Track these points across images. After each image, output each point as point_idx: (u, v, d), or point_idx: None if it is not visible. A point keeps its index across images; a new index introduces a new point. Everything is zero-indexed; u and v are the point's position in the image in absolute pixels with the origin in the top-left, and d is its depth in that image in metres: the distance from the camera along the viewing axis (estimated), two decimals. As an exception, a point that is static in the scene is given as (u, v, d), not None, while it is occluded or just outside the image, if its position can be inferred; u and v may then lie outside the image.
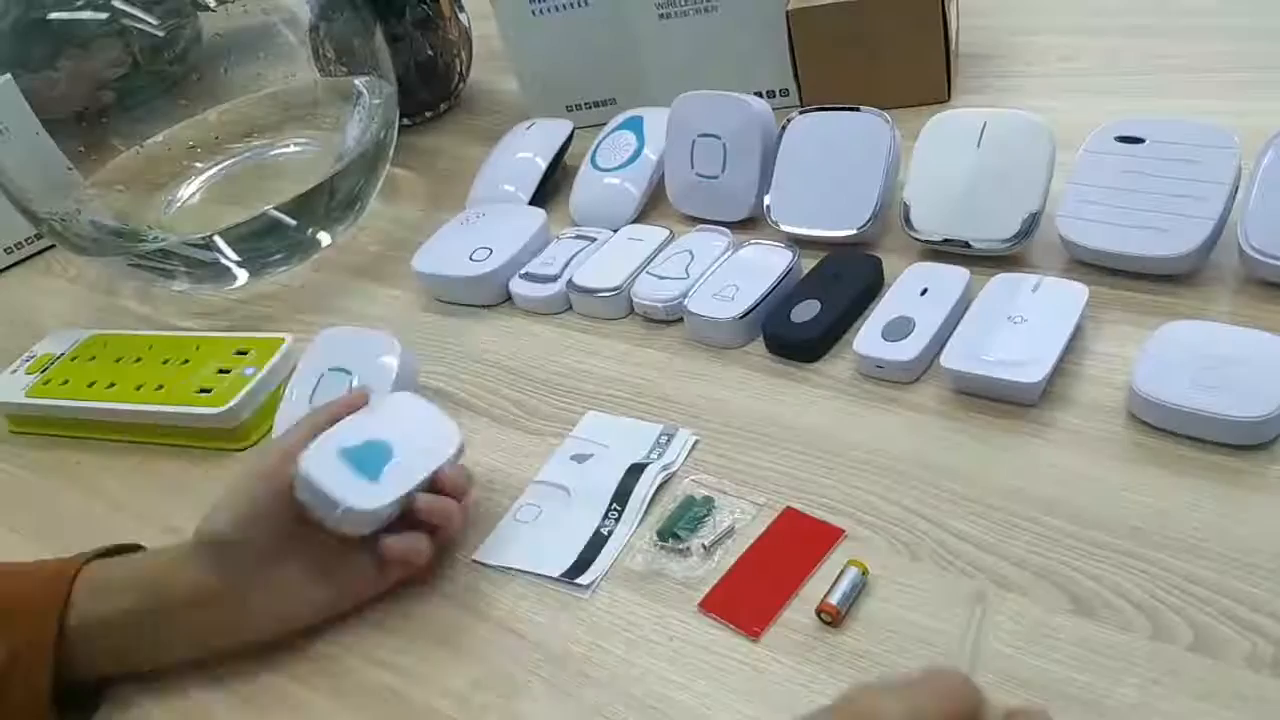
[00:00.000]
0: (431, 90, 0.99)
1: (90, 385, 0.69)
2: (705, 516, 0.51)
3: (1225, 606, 0.42)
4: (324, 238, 0.79)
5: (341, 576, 0.50)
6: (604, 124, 0.82)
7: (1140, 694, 0.40)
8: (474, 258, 0.72)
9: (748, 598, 0.47)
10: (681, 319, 0.64)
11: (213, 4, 0.85)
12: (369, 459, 0.49)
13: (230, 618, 0.49)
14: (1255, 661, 0.40)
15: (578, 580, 0.50)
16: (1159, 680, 0.40)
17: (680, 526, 0.51)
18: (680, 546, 0.50)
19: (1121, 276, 0.58)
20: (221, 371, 0.66)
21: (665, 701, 0.44)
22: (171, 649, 0.49)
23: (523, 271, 0.71)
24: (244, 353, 0.68)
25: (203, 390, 0.65)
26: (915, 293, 0.59)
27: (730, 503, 0.52)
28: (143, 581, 0.49)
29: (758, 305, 0.62)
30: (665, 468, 0.55)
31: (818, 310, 0.60)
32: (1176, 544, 0.45)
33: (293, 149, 0.86)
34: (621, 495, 0.54)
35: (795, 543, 0.49)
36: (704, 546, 0.50)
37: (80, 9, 0.80)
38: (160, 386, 0.67)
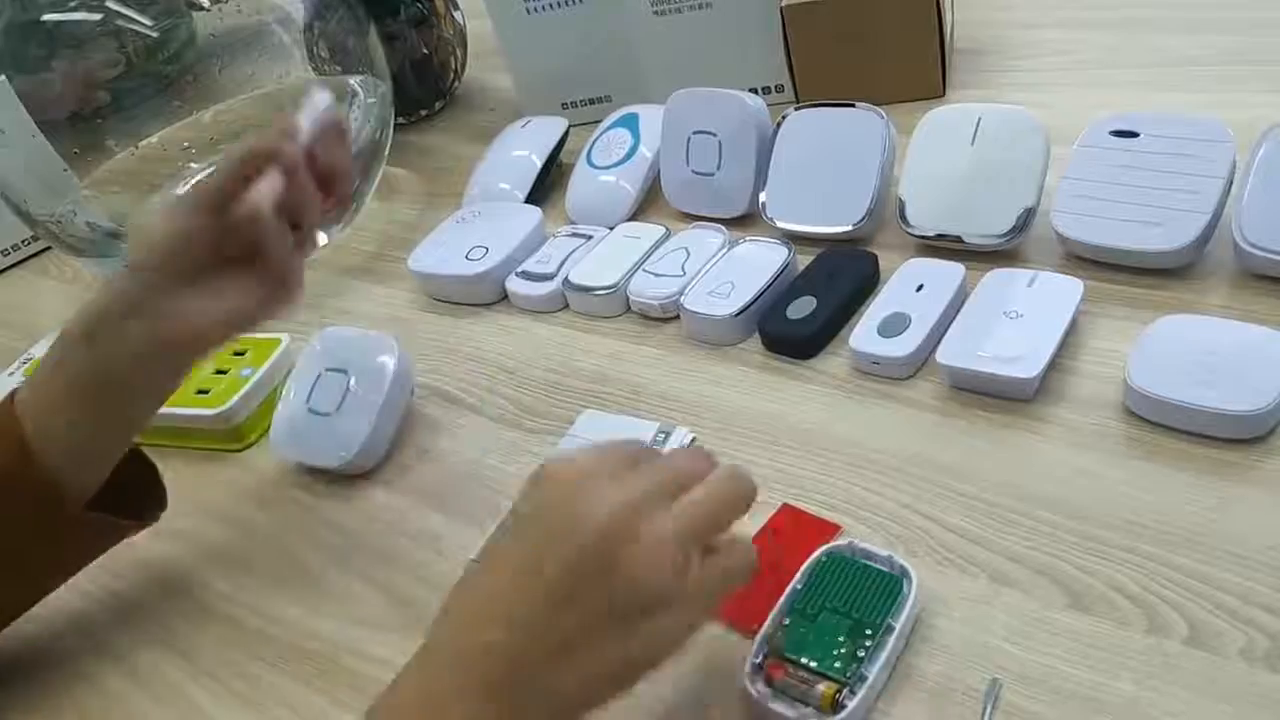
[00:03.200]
0: (426, 89, 0.99)
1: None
2: None
3: (1221, 600, 0.42)
4: (320, 237, 0.79)
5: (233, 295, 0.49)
6: (599, 121, 0.82)
7: (1136, 688, 0.40)
8: (470, 256, 0.72)
9: (744, 594, 0.47)
10: (678, 316, 0.64)
11: (207, 4, 0.85)
12: None
13: (156, 323, 0.47)
14: (1250, 655, 0.40)
15: (575, 578, 0.50)
16: (1155, 674, 0.40)
17: None
18: None
19: (1117, 271, 0.58)
20: (219, 372, 0.66)
21: (663, 701, 0.44)
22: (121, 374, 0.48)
23: (519, 270, 0.72)
24: (241, 353, 0.68)
25: (200, 391, 0.65)
26: (911, 289, 0.59)
27: None
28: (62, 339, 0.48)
29: (754, 302, 0.62)
30: (662, 465, 0.55)
31: (813, 307, 0.60)
32: (1172, 538, 0.45)
33: (288, 149, 0.86)
34: (619, 493, 0.54)
35: (792, 539, 0.49)
36: None
37: (74, 10, 0.80)
38: (157, 388, 0.67)
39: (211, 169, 0.53)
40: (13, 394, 0.48)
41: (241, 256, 0.48)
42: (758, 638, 0.44)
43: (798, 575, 0.45)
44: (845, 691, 0.41)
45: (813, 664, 0.42)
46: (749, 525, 0.50)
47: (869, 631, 0.42)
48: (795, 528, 0.50)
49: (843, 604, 0.44)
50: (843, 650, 0.42)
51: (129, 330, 0.47)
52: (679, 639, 0.37)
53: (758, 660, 0.43)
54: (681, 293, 0.64)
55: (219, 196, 0.47)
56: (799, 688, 0.42)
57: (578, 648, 0.35)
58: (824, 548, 0.46)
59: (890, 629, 0.42)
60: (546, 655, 0.35)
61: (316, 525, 0.58)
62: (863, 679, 0.41)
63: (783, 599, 0.45)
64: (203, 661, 0.51)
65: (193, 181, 0.47)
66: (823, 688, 0.41)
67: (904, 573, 0.44)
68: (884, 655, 0.42)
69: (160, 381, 0.50)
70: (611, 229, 0.73)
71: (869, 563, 0.45)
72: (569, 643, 0.35)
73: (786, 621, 0.44)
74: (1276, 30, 0.76)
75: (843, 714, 0.40)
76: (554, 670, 0.35)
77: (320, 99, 0.50)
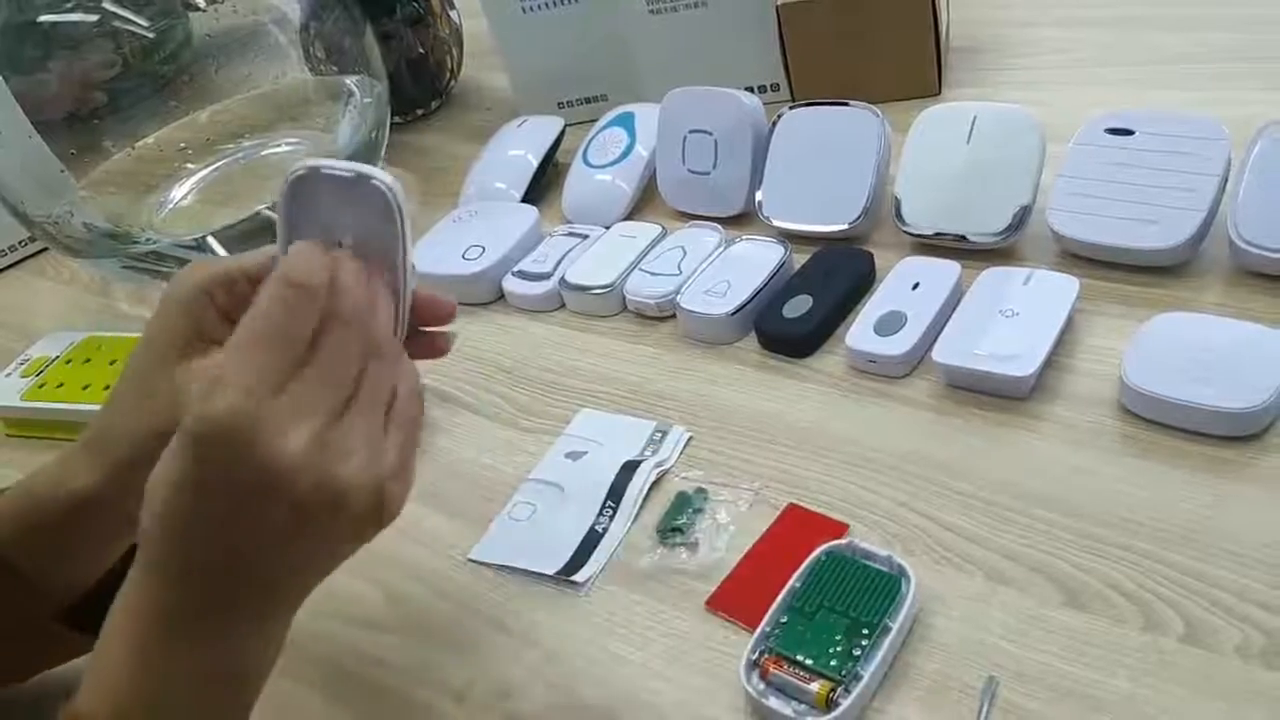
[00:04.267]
0: (422, 88, 0.99)
1: (85, 388, 0.69)
2: (701, 510, 0.52)
3: (1216, 597, 0.42)
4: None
5: None
6: (595, 120, 0.82)
7: (1132, 685, 0.40)
8: (466, 256, 0.72)
9: (752, 594, 0.47)
10: (674, 315, 0.65)
11: (203, 4, 0.85)
12: None
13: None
14: (1246, 652, 0.40)
15: (573, 578, 0.50)
16: (1151, 671, 0.40)
17: (679, 522, 0.51)
18: (683, 541, 0.50)
19: (1112, 269, 0.59)
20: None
21: (660, 697, 0.44)
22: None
23: (515, 269, 0.72)
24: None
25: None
26: (907, 287, 0.59)
27: (725, 494, 0.52)
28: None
29: (750, 301, 0.62)
30: (659, 464, 0.55)
31: (810, 305, 0.60)
32: (1168, 536, 0.45)
33: (284, 149, 0.86)
34: (616, 492, 0.54)
35: (799, 539, 0.48)
36: (705, 540, 0.50)
37: (70, 11, 0.80)
38: (154, 388, 0.67)
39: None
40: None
41: None
42: (755, 635, 0.44)
43: (796, 573, 0.46)
44: (840, 690, 0.41)
45: (809, 661, 0.42)
46: (748, 521, 0.50)
47: (865, 631, 0.43)
48: (802, 527, 0.50)
49: (841, 603, 0.44)
50: (839, 649, 0.42)
51: (132, 483, 0.41)
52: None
53: (754, 657, 0.43)
54: (678, 292, 0.64)
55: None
56: (794, 684, 0.42)
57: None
58: (823, 546, 0.47)
59: (887, 629, 0.43)
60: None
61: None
62: (858, 678, 0.41)
63: (781, 596, 0.45)
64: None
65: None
66: (817, 686, 0.41)
67: (902, 573, 0.45)
68: (880, 654, 0.42)
69: None
70: (608, 228, 0.73)
71: (868, 563, 0.46)
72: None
73: (784, 619, 0.44)
74: (1272, 28, 0.76)
75: (836, 712, 0.40)
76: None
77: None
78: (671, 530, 0.51)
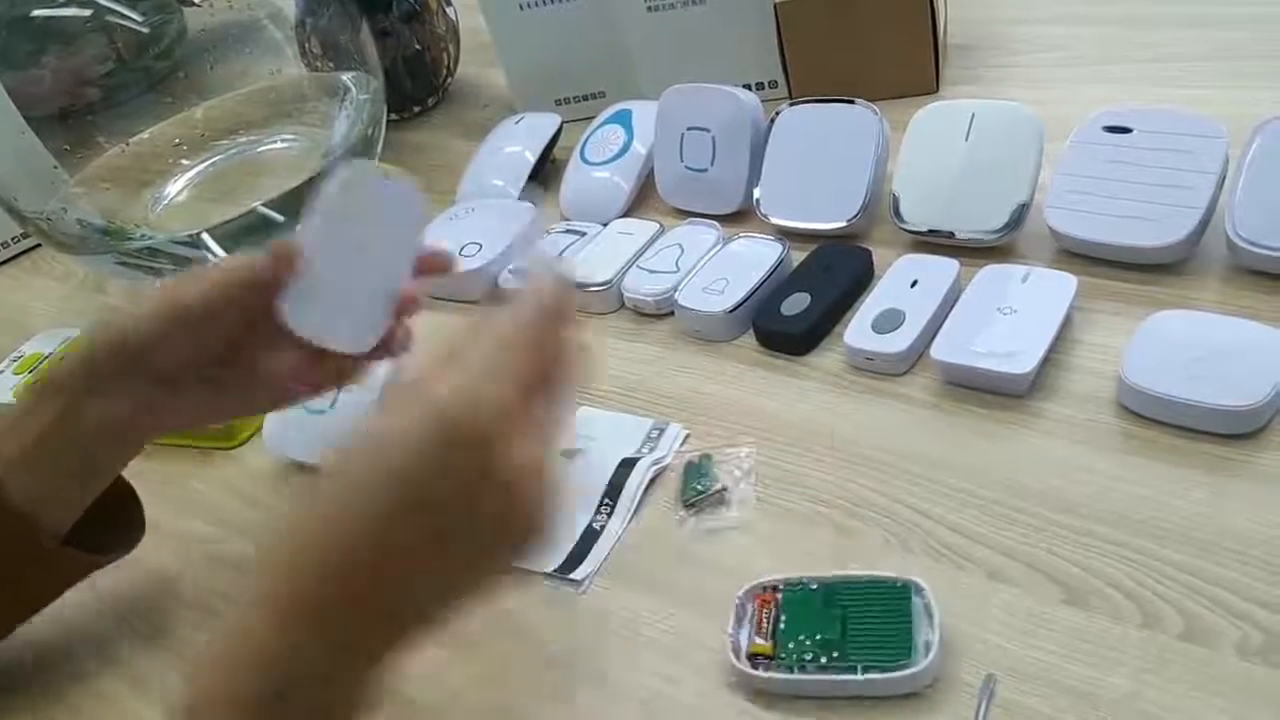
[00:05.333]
0: (419, 85, 0.99)
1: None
2: (711, 471, 0.53)
3: (1215, 595, 0.42)
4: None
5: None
6: (593, 117, 0.82)
7: (1132, 683, 0.40)
8: (464, 253, 0.72)
9: None
10: (672, 313, 0.64)
11: (198, 0, 0.84)
12: None
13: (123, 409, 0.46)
14: (1245, 649, 0.40)
15: (571, 576, 0.50)
16: (1150, 669, 0.40)
17: (700, 484, 0.52)
18: (711, 498, 0.52)
19: (1110, 266, 0.59)
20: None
21: (659, 697, 0.44)
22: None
23: (512, 267, 0.71)
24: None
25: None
26: (905, 284, 0.59)
27: (728, 453, 0.54)
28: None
29: (748, 298, 0.62)
30: (657, 462, 0.55)
31: (808, 303, 0.60)
32: (1166, 533, 0.45)
33: (280, 145, 0.86)
34: (613, 490, 0.54)
35: None
36: (734, 485, 0.52)
37: (64, 6, 0.80)
38: (149, 385, 0.66)
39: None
40: None
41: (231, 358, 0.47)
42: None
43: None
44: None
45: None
46: (765, 470, 0.50)
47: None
48: None
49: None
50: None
51: (85, 415, 0.46)
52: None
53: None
54: (676, 289, 0.64)
55: (202, 317, 0.46)
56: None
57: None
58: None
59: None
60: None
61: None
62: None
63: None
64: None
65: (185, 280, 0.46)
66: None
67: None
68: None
69: (127, 450, 0.50)
70: (605, 225, 0.73)
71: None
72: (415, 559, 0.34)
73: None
74: (1269, 26, 0.76)
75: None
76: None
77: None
78: (696, 493, 0.52)
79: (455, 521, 0.34)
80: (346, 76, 0.84)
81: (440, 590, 0.36)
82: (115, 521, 0.51)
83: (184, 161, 0.84)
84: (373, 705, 0.36)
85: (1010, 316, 0.55)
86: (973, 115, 0.63)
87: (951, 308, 0.57)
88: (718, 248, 0.67)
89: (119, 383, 0.46)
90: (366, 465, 0.34)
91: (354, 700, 0.35)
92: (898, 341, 0.56)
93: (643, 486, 0.53)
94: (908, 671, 0.41)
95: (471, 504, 0.33)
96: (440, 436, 0.33)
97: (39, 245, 0.95)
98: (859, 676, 0.41)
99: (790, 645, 0.43)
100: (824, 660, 0.42)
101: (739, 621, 0.45)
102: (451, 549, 0.34)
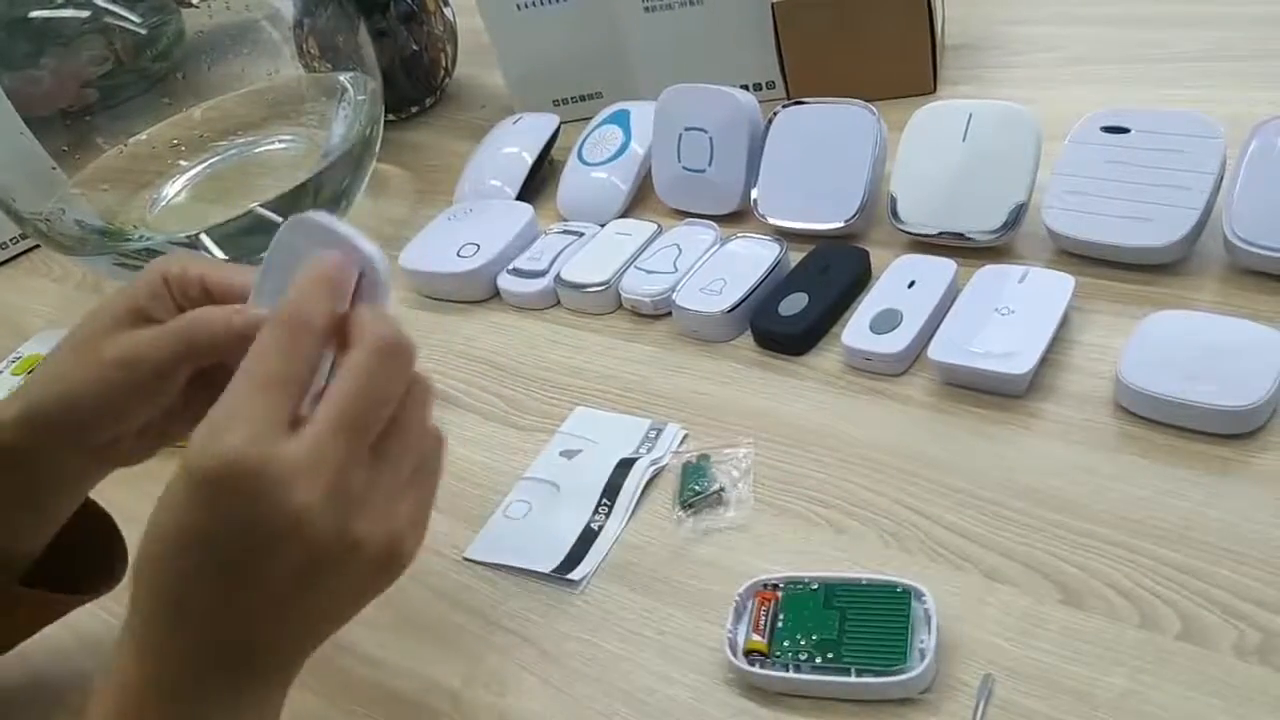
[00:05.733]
0: (417, 85, 0.99)
1: (76, 386, 0.69)
2: (709, 471, 0.53)
3: (1213, 595, 0.42)
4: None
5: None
6: (590, 118, 0.82)
7: (1129, 683, 0.40)
8: (461, 254, 0.72)
9: None
10: (670, 313, 0.64)
11: (195, 1, 0.84)
12: None
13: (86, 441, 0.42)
14: (1242, 649, 0.40)
15: (569, 576, 0.50)
16: (1147, 669, 0.40)
17: (697, 486, 0.52)
18: (709, 499, 0.52)
19: (1108, 266, 0.59)
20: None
21: (656, 695, 0.44)
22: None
23: (510, 267, 0.71)
24: (231, 351, 0.67)
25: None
26: (903, 285, 0.59)
27: (726, 454, 0.54)
28: None
29: (746, 299, 0.62)
30: (655, 462, 0.55)
31: (805, 303, 0.60)
32: (1164, 533, 0.45)
33: (278, 146, 0.86)
34: (611, 490, 0.54)
35: None
36: (731, 485, 0.52)
37: (62, 7, 0.80)
38: (147, 386, 0.66)
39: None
40: None
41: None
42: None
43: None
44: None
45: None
46: (762, 470, 0.50)
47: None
48: None
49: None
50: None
51: (44, 462, 0.42)
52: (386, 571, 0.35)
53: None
54: (673, 289, 0.64)
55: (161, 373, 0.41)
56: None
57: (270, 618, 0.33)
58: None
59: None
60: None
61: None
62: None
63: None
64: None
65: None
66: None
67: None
68: None
69: (81, 492, 0.46)
70: (603, 226, 0.73)
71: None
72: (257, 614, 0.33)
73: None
74: (1267, 25, 0.76)
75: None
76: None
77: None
78: (694, 494, 0.52)
79: (258, 570, 0.32)
80: (344, 77, 0.84)
81: (286, 635, 0.34)
82: (92, 556, 0.48)
83: (182, 162, 0.84)
84: None
85: (1008, 317, 0.55)
86: (970, 115, 0.63)
87: (949, 308, 0.57)
88: (715, 248, 0.67)
89: (68, 439, 0.42)
90: (155, 539, 0.33)
91: None
92: (895, 342, 0.56)
93: (640, 487, 0.53)
94: (901, 677, 0.41)
95: (264, 550, 0.32)
96: (194, 490, 0.32)
97: (37, 246, 0.95)
98: (852, 679, 0.41)
99: (785, 644, 0.43)
100: (819, 660, 0.42)
101: (738, 618, 0.45)
102: (269, 594, 0.33)
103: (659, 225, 0.71)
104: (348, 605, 0.36)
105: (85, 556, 0.47)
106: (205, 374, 0.41)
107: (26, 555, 0.45)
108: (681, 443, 0.56)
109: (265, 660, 0.34)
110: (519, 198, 0.79)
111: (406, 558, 0.35)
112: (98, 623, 0.54)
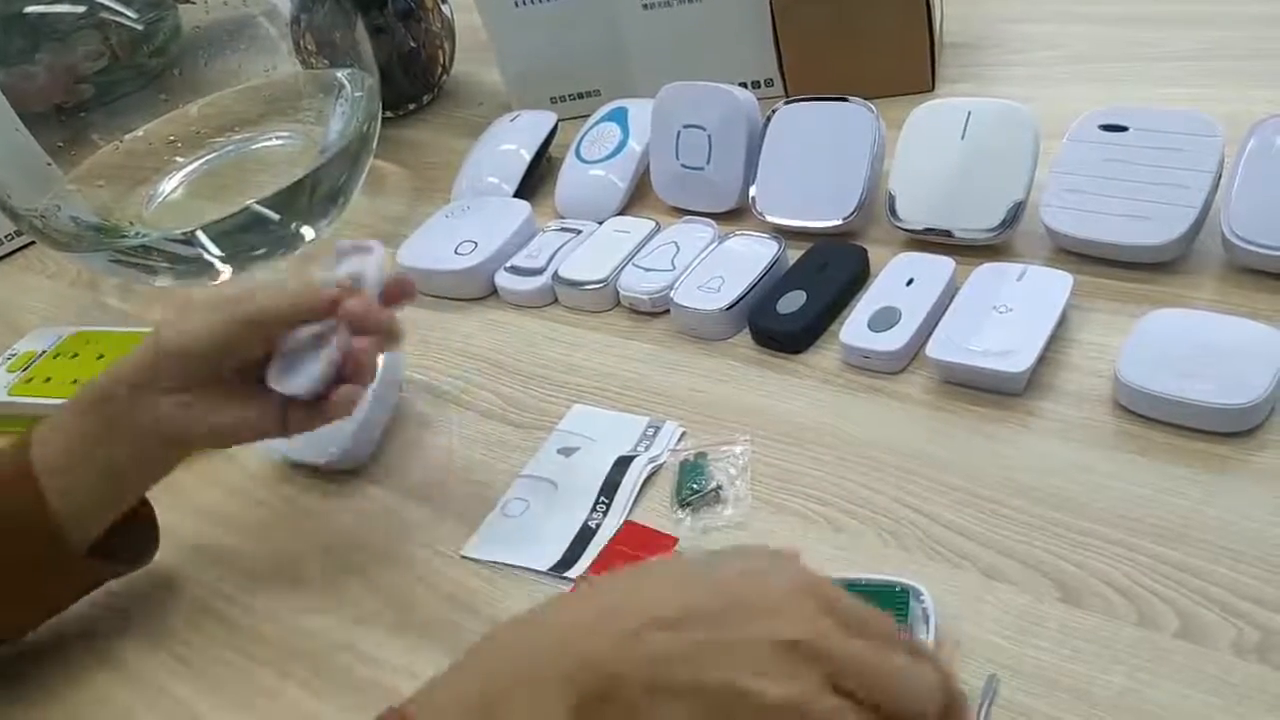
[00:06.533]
0: (414, 82, 0.99)
1: (73, 383, 0.69)
2: (706, 469, 0.53)
3: (1211, 593, 0.42)
4: (307, 232, 0.79)
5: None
6: (588, 116, 0.82)
7: (1127, 681, 0.40)
8: (459, 251, 0.72)
9: None
10: (668, 311, 0.64)
11: (192, -4, 0.84)
12: None
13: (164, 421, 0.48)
14: (1240, 647, 0.40)
15: (566, 574, 0.50)
16: (1145, 667, 0.40)
17: (695, 484, 0.52)
18: (707, 497, 0.51)
19: (1106, 265, 0.59)
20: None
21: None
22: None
23: (508, 264, 0.71)
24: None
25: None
26: (901, 283, 0.59)
27: (723, 451, 0.54)
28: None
29: (744, 296, 0.62)
30: (652, 460, 0.55)
31: (804, 301, 0.60)
32: (1162, 531, 0.45)
33: (275, 142, 0.85)
34: (609, 488, 0.54)
35: (635, 554, 0.50)
36: (729, 483, 0.52)
37: (58, 2, 0.79)
38: (143, 383, 0.66)
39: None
40: (29, 436, 0.48)
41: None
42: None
43: None
44: None
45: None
46: (759, 468, 0.50)
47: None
48: (637, 544, 0.51)
49: None
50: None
51: (139, 416, 0.48)
52: None
53: None
54: (671, 287, 0.64)
55: (276, 323, 0.48)
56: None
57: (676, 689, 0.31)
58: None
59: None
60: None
61: (306, 522, 0.58)
62: None
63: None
64: (194, 661, 0.51)
65: (256, 290, 0.49)
66: None
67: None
68: None
69: (165, 462, 0.51)
70: (601, 223, 0.73)
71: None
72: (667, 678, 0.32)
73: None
74: (1265, 24, 0.76)
75: None
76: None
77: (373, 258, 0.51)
78: (692, 493, 0.52)
79: None
80: (341, 73, 0.84)
81: None
82: (131, 533, 0.52)
83: (178, 159, 0.84)
84: None
85: (1006, 315, 0.55)
86: (969, 114, 0.63)
87: (947, 306, 0.57)
88: (713, 246, 0.67)
89: (175, 386, 0.48)
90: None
91: None
92: (894, 340, 0.56)
93: (638, 485, 0.53)
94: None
95: None
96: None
97: (32, 243, 0.94)
98: None
99: None
100: None
101: None
102: None
103: (657, 223, 0.71)
104: None
105: (124, 533, 0.51)
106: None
107: (94, 529, 0.49)
108: (679, 440, 0.56)
109: None
110: (517, 195, 0.79)
111: None
112: (87, 614, 0.54)
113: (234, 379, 0.49)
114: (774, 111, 0.70)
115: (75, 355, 0.72)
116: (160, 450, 0.50)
